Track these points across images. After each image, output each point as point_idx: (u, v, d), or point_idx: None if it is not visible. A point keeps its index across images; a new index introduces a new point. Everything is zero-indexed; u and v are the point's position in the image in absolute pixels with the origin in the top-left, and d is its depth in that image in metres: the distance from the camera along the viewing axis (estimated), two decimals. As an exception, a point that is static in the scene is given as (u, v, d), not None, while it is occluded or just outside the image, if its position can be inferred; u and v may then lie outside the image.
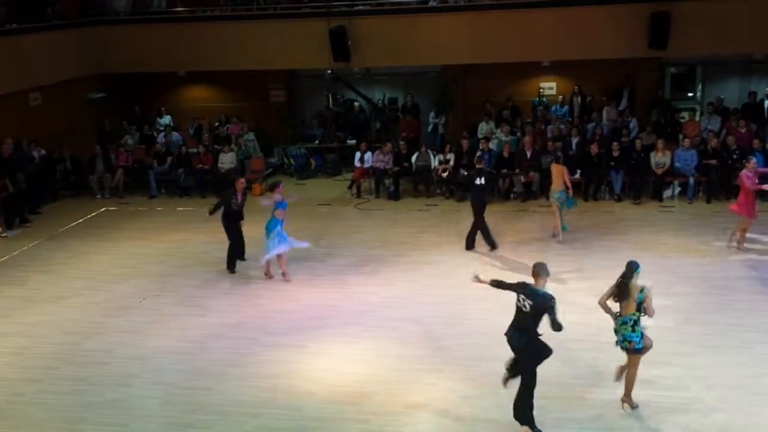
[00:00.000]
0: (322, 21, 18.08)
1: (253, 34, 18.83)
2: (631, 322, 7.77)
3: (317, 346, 9.93)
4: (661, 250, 12.88)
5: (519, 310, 7.72)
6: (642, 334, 7.84)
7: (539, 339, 7.66)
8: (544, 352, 7.71)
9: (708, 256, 12.51)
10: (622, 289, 7.83)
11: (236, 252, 12.73)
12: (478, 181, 13.19)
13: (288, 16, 19.14)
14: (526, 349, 7.68)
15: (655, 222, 14.49)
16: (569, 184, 13.45)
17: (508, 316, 10.39)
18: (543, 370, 8.98)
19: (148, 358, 9.81)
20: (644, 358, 9.15)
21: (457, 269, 12.43)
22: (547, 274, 7.76)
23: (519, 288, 7.74)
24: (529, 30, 17.51)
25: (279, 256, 11.99)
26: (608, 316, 10.33)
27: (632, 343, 7.80)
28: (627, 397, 8.12)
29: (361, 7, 18.75)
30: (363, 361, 9.53)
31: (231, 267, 12.72)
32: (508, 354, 9.41)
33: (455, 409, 8.34)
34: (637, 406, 8.09)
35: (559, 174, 13.37)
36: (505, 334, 7.83)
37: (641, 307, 7.75)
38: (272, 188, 12.16)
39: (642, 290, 7.74)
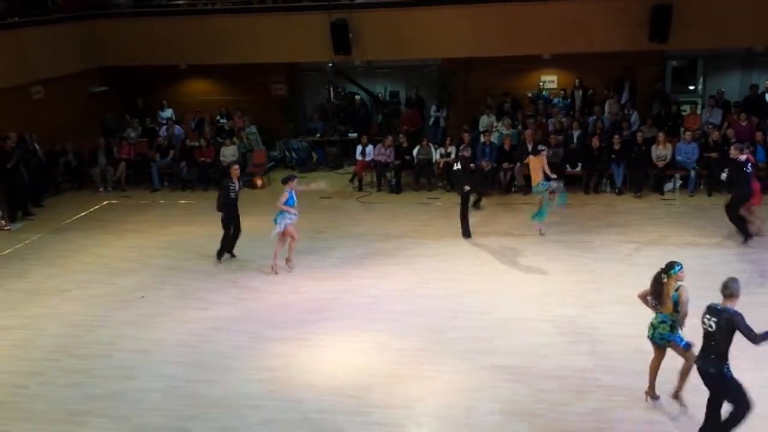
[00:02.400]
0: (323, 14, 18.07)
1: (254, 28, 18.82)
2: (670, 322, 7.68)
3: (319, 338, 9.97)
4: (662, 244, 12.89)
5: (705, 333, 7.06)
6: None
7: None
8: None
9: (709, 250, 12.51)
10: (654, 287, 7.77)
11: (228, 242, 12.83)
12: (455, 167, 13.61)
13: (289, 9, 19.13)
14: (721, 377, 6.98)
15: (656, 215, 14.50)
16: (548, 172, 13.50)
17: (508, 311, 10.53)
18: (542, 364, 9.08)
19: (150, 350, 9.86)
20: (648, 351, 9.21)
21: (459, 262, 12.49)
22: (737, 293, 7.04)
23: (705, 311, 7.12)
24: (530, 23, 17.49)
25: (290, 243, 12.21)
26: (605, 310, 10.43)
27: (672, 342, 7.72)
28: (678, 393, 7.98)
29: (361, 0, 18.74)
30: (364, 353, 9.58)
31: (220, 255, 12.85)
32: (507, 347, 9.52)
33: (455, 401, 8.38)
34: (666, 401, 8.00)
35: (537, 166, 13.39)
36: (695, 363, 7.24)
37: (677, 308, 7.66)
38: (286, 181, 12.15)
39: (677, 289, 7.65)
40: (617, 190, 15.99)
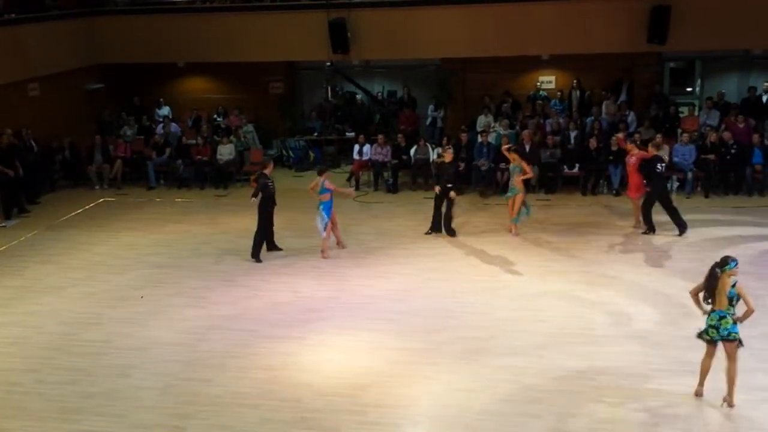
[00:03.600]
0: (322, 13, 18.06)
1: (252, 26, 18.81)
2: (729, 317, 7.70)
3: (316, 338, 9.95)
4: (658, 245, 12.92)
5: None
6: None
7: None
8: None
9: (705, 251, 12.51)
10: (710, 283, 7.77)
11: (264, 240, 12.82)
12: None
13: (287, 8, 19.13)
14: None
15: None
16: (529, 173, 13.55)
17: (505, 310, 10.52)
18: (539, 364, 9.07)
19: (146, 348, 9.82)
20: (644, 352, 9.24)
21: (455, 262, 12.48)
22: None
23: None
24: (528, 23, 17.51)
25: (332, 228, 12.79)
26: (601, 310, 10.45)
27: (736, 334, 7.72)
28: (729, 396, 7.95)
29: (360, -1, 18.77)
30: (361, 353, 9.56)
31: (257, 255, 12.73)
32: (504, 347, 9.50)
33: (452, 401, 8.36)
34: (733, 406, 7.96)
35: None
36: None
37: (734, 302, 7.69)
38: (321, 172, 12.67)
39: (734, 285, 7.67)
40: (614, 191, 16.00)
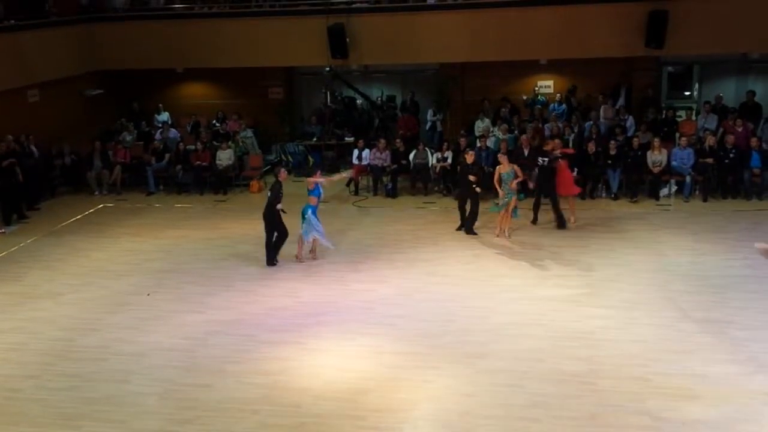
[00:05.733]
0: (321, 18, 18.11)
1: (251, 31, 18.86)
2: None
3: (315, 342, 9.95)
4: (657, 249, 12.93)
5: None
6: None
7: None
8: None
9: (704, 255, 12.56)
10: None
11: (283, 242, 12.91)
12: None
13: (286, 13, 19.18)
14: None
15: (651, 220, 14.54)
16: (521, 176, 13.69)
17: (504, 315, 10.54)
18: (538, 368, 9.08)
19: (145, 354, 9.82)
20: (641, 355, 9.25)
21: (455, 266, 12.49)
22: None
23: None
24: (527, 28, 17.56)
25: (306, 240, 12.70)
26: (601, 314, 10.46)
27: None
28: None
29: (359, 5, 18.78)
30: (361, 358, 9.56)
31: (272, 260, 12.76)
32: (503, 351, 9.51)
33: (452, 406, 8.36)
34: None
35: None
36: None
37: None
38: (309, 174, 12.89)
39: None
40: (613, 196, 16.03)
